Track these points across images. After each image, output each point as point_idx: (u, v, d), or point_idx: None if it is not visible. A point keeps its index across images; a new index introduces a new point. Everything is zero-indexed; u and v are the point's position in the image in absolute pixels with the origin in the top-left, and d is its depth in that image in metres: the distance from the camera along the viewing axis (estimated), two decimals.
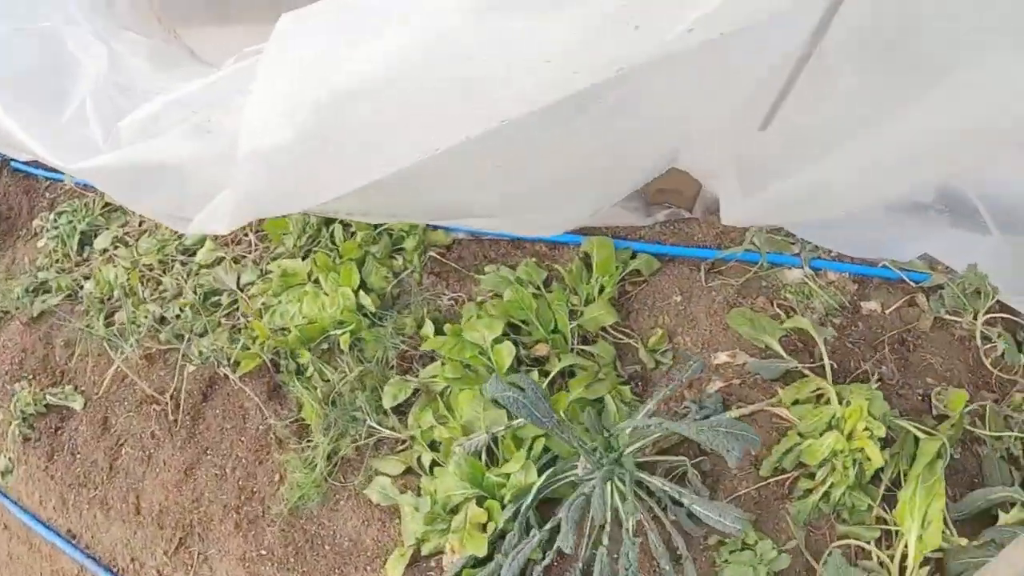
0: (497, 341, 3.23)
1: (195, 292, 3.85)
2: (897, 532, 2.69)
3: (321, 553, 3.10)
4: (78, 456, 3.62)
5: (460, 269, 3.79)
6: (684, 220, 3.71)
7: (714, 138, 2.62)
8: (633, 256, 3.60)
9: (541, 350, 3.30)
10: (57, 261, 4.44)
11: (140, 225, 4.34)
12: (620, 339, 3.40)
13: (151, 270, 4.10)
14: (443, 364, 3.28)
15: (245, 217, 2.27)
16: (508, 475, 2.86)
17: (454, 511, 2.87)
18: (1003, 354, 3.04)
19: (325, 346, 3.56)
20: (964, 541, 2.63)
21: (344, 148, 1.73)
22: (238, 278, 3.88)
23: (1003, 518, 2.61)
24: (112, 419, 3.68)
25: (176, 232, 4.20)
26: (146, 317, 3.83)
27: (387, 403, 3.26)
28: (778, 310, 3.32)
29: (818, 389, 2.87)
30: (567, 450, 2.89)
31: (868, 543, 2.70)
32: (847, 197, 2.75)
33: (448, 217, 3.11)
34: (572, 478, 2.79)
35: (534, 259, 3.69)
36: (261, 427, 3.39)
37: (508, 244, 3.84)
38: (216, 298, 3.87)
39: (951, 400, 2.82)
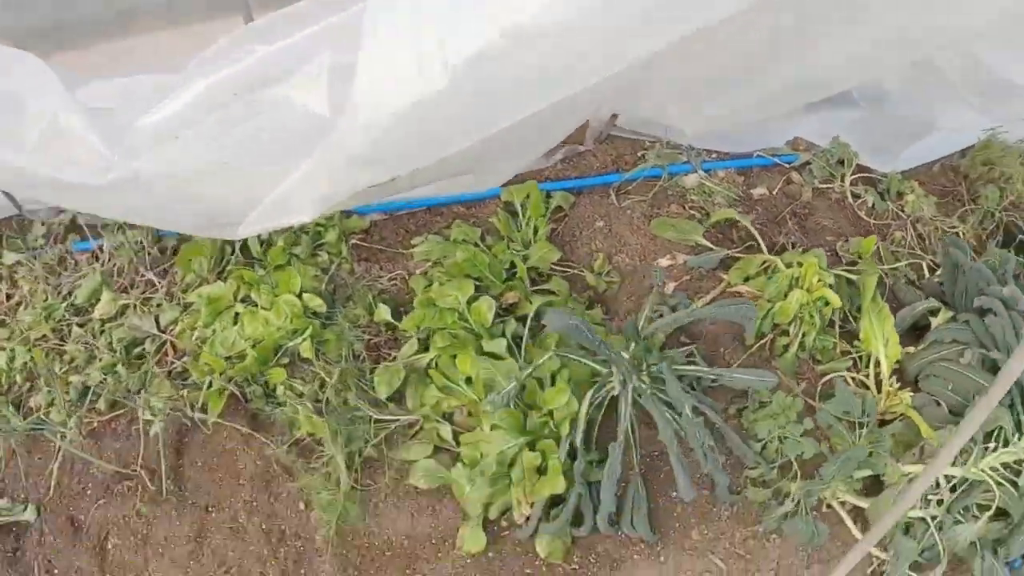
0: (472, 299, 3.17)
1: (111, 349, 3.34)
2: (862, 357, 3.03)
3: (383, 561, 2.93)
4: (57, 571, 3.02)
5: (386, 249, 3.65)
6: (579, 154, 3.84)
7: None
8: (548, 196, 3.65)
9: (511, 298, 3.30)
10: None
11: (8, 300, 3.62)
12: (565, 272, 3.48)
13: (46, 341, 3.45)
14: (425, 339, 3.27)
15: (340, 194, 2.05)
16: (550, 412, 2.86)
17: (511, 465, 2.81)
18: (873, 205, 3.51)
19: (285, 360, 3.27)
20: (912, 348, 3.02)
21: (503, 89, 1.65)
22: (156, 320, 3.41)
23: (935, 322, 3.04)
24: (80, 516, 3.20)
25: (57, 291, 3.57)
26: (67, 392, 3.25)
27: (384, 393, 3.14)
28: (691, 211, 3.55)
29: (765, 263, 3.15)
30: (587, 373, 2.95)
31: (844, 372, 3.01)
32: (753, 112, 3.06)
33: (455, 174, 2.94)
34: (611, 393, 2.86)
35: (458, 220, 3.61)
36: (258, 462, 3.12)
37: (424, 214, 3.77)
38: (138, 348, 3.43)
39: (862, 246, 3.22)
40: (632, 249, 3.63)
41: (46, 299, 3.67)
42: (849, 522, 2.97)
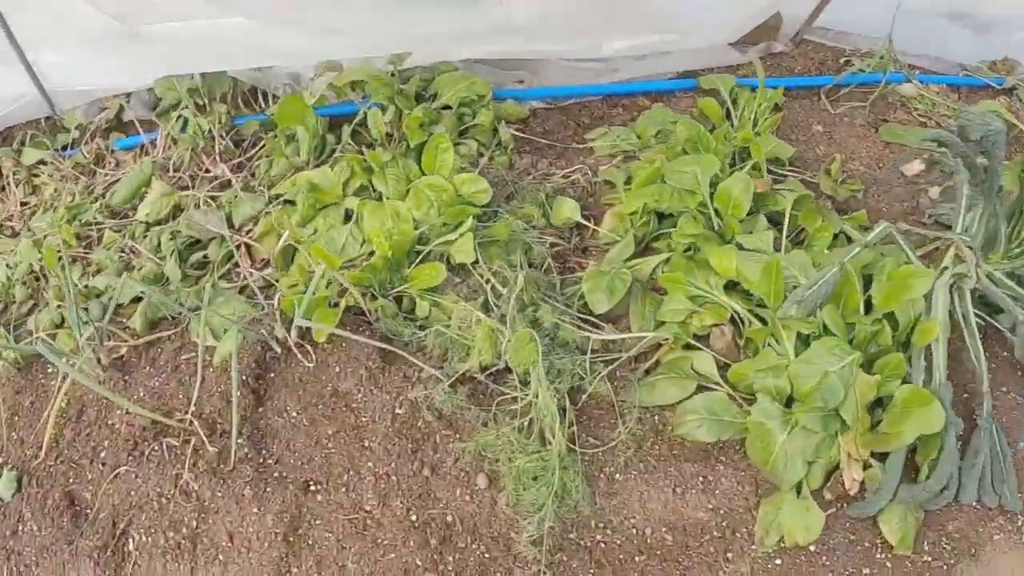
0: (717, 179, 1.99)
1: (158, 255, 2.08)
2: None
3: (631, 569, 1.60)
4: None
5: (554, 144, 2.46)
6: (775, 54, 2.85)
7: None
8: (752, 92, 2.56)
9: (760, 186, 2.10)
10: None
11: (23, 207, 2.38)
12: (790, 175, 2.33)
13: (67, 248, 2.23)
14: (641, 239, 2.13)
15: None
16: (888, 316, 1.64)
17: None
18: None
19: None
20: None
21: None
22: (228, 218, 2.15)
23: None
24: (84, 493, 1.89)
25: (88, 191, 2.37)
26: (86, 308, 1.98)
27: (601, 308, 1.91)
28: (919, 118, 2.81)
29: None
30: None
31: None
32: None
33: None
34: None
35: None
36: (396, 411, 1.90)
37: (600, 105, 2.60)
38: (198, 255, 2.15)
39: None
40: (864, 156, 2.63)
41: (72, 199, 2.40)
42: None
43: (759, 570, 1.66)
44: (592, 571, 1.68)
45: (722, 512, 1.73)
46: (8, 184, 2.58)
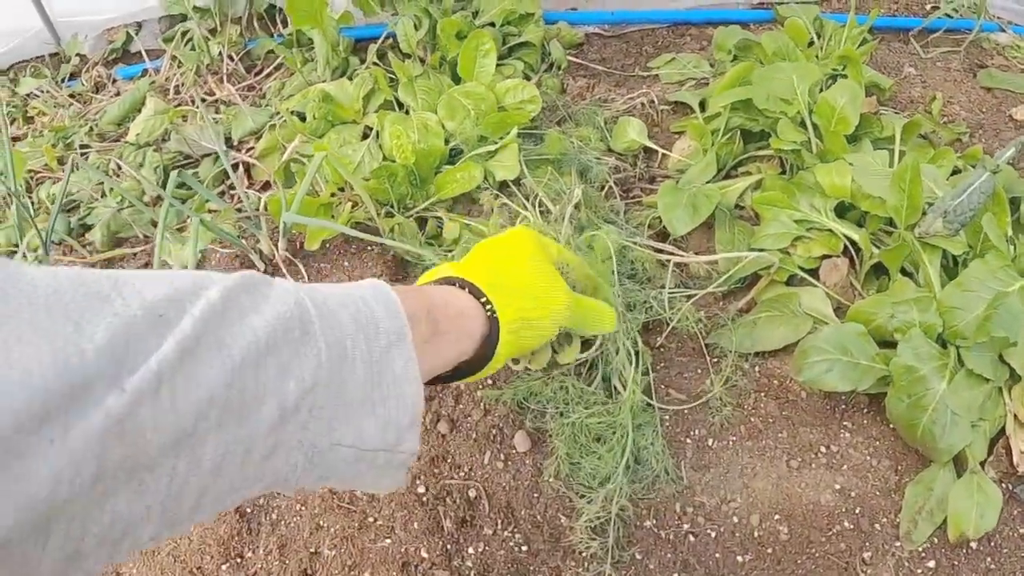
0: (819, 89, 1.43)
1: (141, 174, 1.55)
2: None
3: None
4: None
5: (612, 71, 1.91)
6: None
7: None
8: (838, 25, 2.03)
9: (867, 105, 1.52)
10: None
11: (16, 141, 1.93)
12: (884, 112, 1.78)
13: (48, 172, 1.71)
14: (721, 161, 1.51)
15: None
16: None
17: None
18: None
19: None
20: None
21: None
22: (227, 135, 1.62)
23: None
24: None
25: (81, 117, 1.93)
26: (48, 222, 1.50)
27: (681, 228, 1.48)
28: (1019, 65, 2.26)
29: None
30: None
31: None
32: None
33: None
34: None
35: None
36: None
37: (665, 32, 2.05)
38: (188, 174, 1.59)
39: None
40: (963, 100, 2.09)
41: (62, 124, 1.90)
42: None
43: (910, 569, 1.03)
44: (677, 574, 1.06)
45: (853, 495, 1.12)
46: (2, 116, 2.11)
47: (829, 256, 1.39)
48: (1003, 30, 2.42)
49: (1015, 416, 1.13)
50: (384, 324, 0.57)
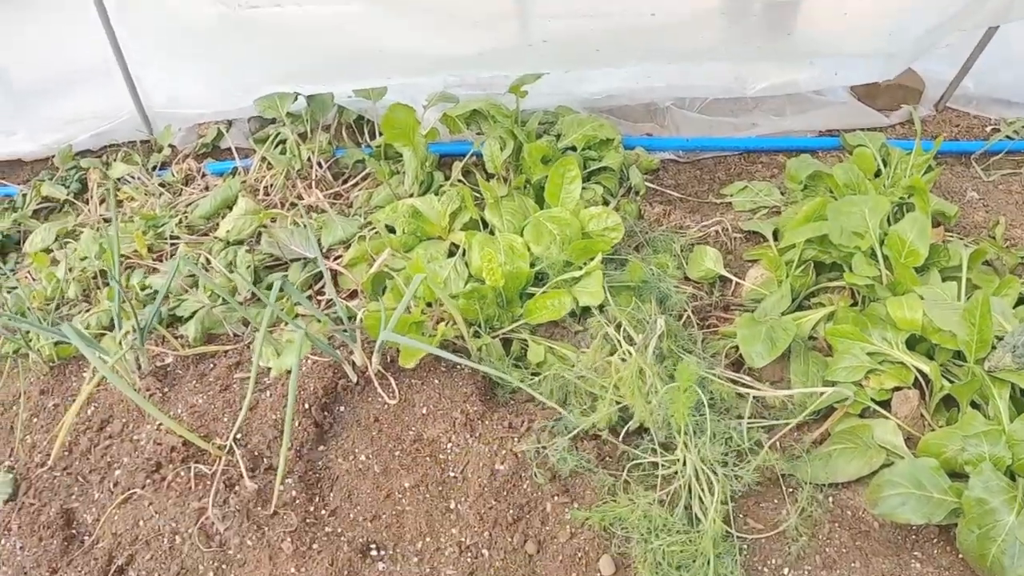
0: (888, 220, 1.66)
1: (231, 271, 1.81)
2: None
3: None
4: None
5: (687, 197, 2.17)
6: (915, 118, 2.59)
7: None
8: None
9: (936, 236, 1.75)
10: None
11: (101, 220, 2.23)
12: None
13: (138, 259, 1.99)
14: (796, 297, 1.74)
15: None
16: None
17: None
18: None
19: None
20: None
21: None
22: (317, 240, 1.89)
23: None
24: (84, 514, 1.56)
25: (171, 207, 2.19)
26: (139, 302, 1.74)
27: (760, 361, 1.60)
28: None
29: None
30: None
31: None
32: None
33: None
34: None
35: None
36: (497, 466, 1.52)
37: (738, 160, 2.32)
38: (273, 275, 1.89)
39: None
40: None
41: (153, 213, 2.20)
42: None
43: None
44: None
45: None
46: (92, 197, 2.42)
47: (900, 388, 1.57)
48: None
49: None
50: None
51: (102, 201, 2.41)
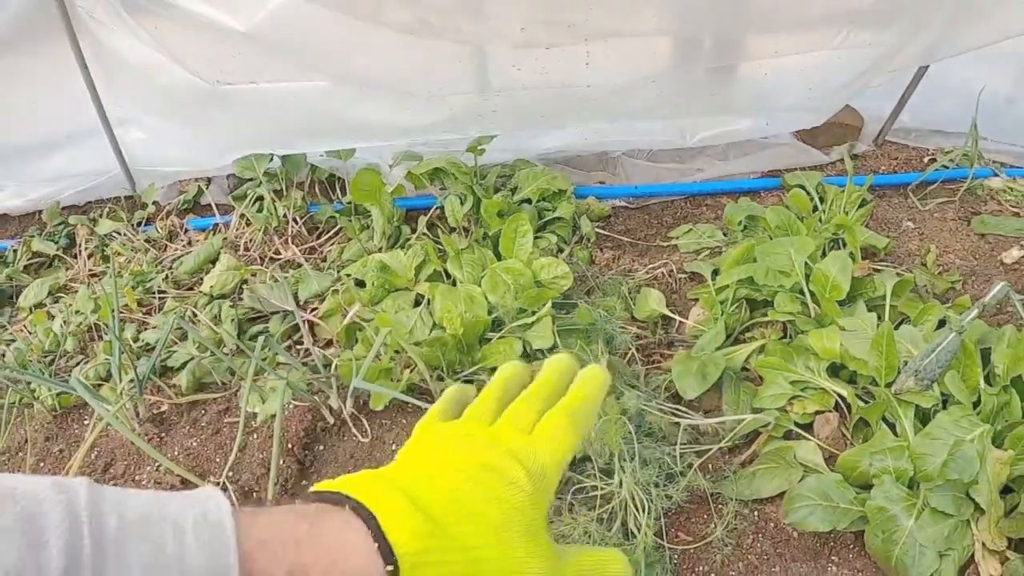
0: (813, 258, 1.95)
1: (217, 324, 2.09)
2: None
3: None
4: None
5: (636, 241, 2.46)
6: (857, 156, 3.03)
7: None
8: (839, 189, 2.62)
9: (860, 270, 2.05)
10: None
11: (90, 275, 2.48)
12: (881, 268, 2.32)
13: (129, 312, 2.24)
14: (729, 330, 2.05)
15: None
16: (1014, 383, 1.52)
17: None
18: None
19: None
20: None
21: None
22: (294, 295, 2.16)
23: None
24: None
25: (157, 263, 2.45)
26: (135, 355, 1.98)
27: (691, 393, 1.92)
28: (1012, 209, 2.82)
29: None
30: None
31: None
32: None
33: None
34: None
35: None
36: None
37: (684, 204, 2.61)
38: (258, 327, 2.15)
39: None
40: (958, 249, 2.61)
41: (141, 268, 2.46)
42: None
43: None
44: None
45: None
46: (80, 252, 2.67)
47: (822, 412, 1.85)
48: (996, 174, 2.96)
49: (983, 544, 1.53)
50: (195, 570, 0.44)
51: (90, 256, 2.67)
